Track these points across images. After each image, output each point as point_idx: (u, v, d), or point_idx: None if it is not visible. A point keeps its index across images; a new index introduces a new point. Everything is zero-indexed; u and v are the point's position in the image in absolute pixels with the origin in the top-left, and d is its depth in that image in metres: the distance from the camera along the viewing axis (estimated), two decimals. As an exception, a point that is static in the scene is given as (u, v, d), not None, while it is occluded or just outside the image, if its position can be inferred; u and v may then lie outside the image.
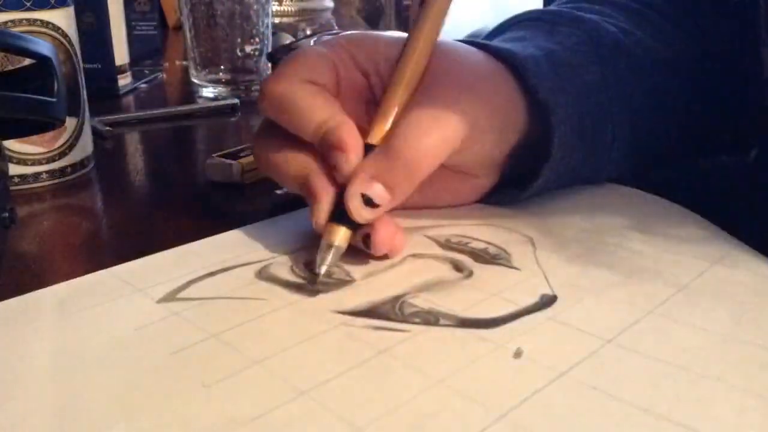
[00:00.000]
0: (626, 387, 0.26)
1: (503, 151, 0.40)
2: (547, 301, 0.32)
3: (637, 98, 0.44)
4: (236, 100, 0.72)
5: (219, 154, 0.50)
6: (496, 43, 0.42)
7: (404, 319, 0.31)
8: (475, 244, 0.38)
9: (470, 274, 0.35)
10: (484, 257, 0.37)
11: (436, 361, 0.28)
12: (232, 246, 0.38)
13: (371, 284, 0.34)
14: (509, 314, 0.31)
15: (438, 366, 0.27)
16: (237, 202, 0.47)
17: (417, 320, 0.31)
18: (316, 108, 0.35)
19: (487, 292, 0.33)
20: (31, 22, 0.46)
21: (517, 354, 0.28)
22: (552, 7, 0.50)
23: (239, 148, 0.51)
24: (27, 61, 0.38)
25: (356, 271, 0.35)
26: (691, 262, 0.36)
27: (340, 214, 0.35)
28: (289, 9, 1.01)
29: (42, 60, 0.36)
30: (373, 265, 0.36)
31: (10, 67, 0.44)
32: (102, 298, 0.33)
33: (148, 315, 0.31)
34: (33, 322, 0.31)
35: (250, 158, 0.48)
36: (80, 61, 0.50)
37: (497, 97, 0.39)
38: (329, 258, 0.34)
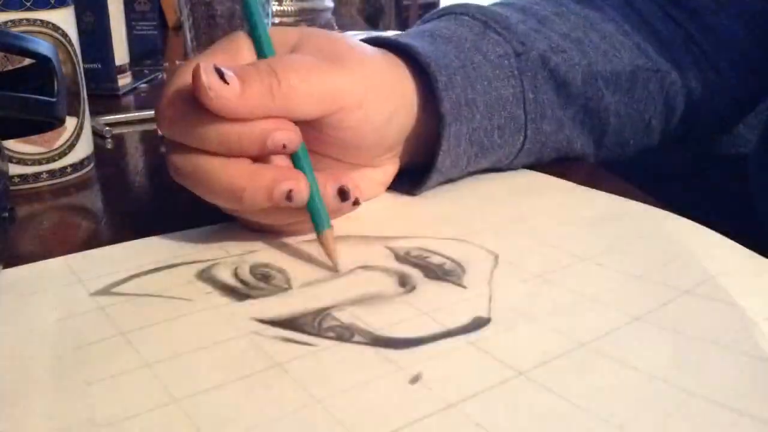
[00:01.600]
0: (512, 428, 0.24)
1: (397, 139, 0.42)
2: (477, 325, 0.30)
3: (556, 111, 0.48)
4: None
5: None
6: (411, 42, 0.43)
7: (318, 333, 0.30)
8: (433, 259, 0.36)
9: (412, 289, 0.33)
10: (435, 273, 0.35)
11: (325, 380, 0.26)
12: (191, 243, 0.38)
13: (305, 294, 0.33)
14: (429, 335, 0.29)
15: (325, 385, 0.26)
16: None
17: (331, 335, 0.30)
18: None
19: (420, 310, 0.31)
20: (31, 21, 0.46)
21: (414, 379, 0.27)
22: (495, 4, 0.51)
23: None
24: (27, 61, 0.38)
25: (298, 279, 0.34)
26: (657, 290, 0.32)
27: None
28: (290, 9, 1.00)
29: (42, 60, 0.36)
30: (317, 274, 0.35)
31: (10, 67, 0.44)
32: (43, 286, 0.34)
33: (76, 307, 0.32)
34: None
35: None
36: (80, 61, 0.49)
37: (389, 76, 0.41)
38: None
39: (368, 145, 0.40)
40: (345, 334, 0.30)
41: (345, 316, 0.31)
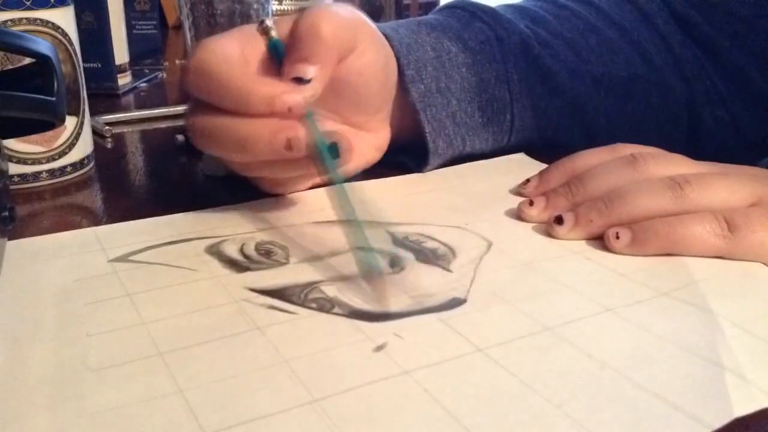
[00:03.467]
0: (457, 400, 0.26)
1: (389, 94, 0.46)
2: (451, 305, 0.32)
3: (543, 97, 0.51)
4: None
5: None
6: (390, 32, 0.47)
7: (302, 303, 0.32)
8: (429, 244, 0.38)
9: (401, 270, 0.35)
10: (427, 256, 0.37)
11: (296, 344, 0.29)
12: (208, 220, 0.41)
13: (299, 268, 0.35)
14: (403, 311, 0.31)
15: (295, 348, 0.28)
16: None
17: (313, 305, 0.32)
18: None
19: (402, 289, 0.33)
20: (31, 21, 0.45)
21: (379, 348, 0.29)
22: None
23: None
24: (27, 60, 0.38)
25: (298, 255, 0.37)
26: (637, 289, 0.33)
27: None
28: (290, 8, 1.01)
29: (42, 59, 0.36)
30: (316, 252, 0.37)
31: (10, 67, 0.44)
32: (70, 252, 0.37)
33: (94, 270, 0.35)
34: (13, 263, 0.36)
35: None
36: (80, 61, 0.49)
37: (386, 43, 0.45)
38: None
39: (365, 92, 0.44)
40: (326, 305, 0.32)
41: (331, 290, 0.33)
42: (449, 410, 0.25)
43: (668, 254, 0.36)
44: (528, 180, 0.44)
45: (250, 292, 0.33)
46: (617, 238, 0.36)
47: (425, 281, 0.34)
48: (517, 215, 0.41)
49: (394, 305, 0.32)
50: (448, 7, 0.53)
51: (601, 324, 0.30)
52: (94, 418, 0.24)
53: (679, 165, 0.40)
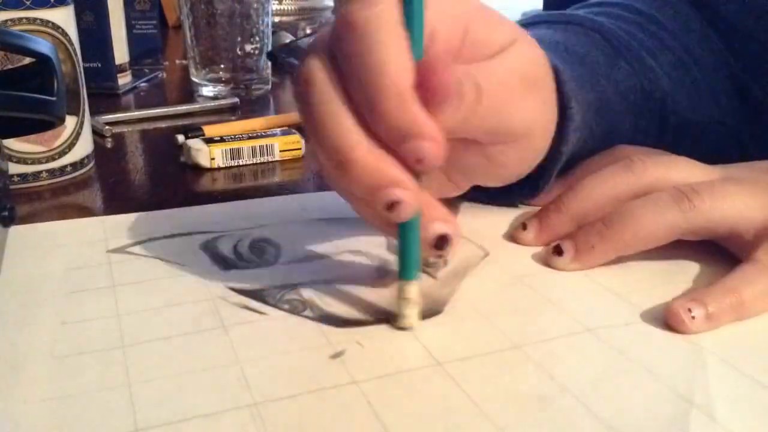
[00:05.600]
0: (398, 415, 0.25)
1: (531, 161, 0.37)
2: (425, 315, 0.31)
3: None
4: (236, 99, 0.72)
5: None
6: (558, 63, 0.38)
7: (275, 305, 0.32)
8: (423, 251, 0.37)
9: (385, 275, 0.35)
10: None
11: (255, 345, 0.29)
12: (210, 215, 0.42)
13: (284, 269, 0.35)
14: (374, 318, 0.31)
15: (252, 348, 0.28)
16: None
17: (286, 307, 0.32)
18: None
19: (381, 295, 0.33)
20: (31, 20, 0.45)
21: (336, 355, 0.28)
22: (607, 22, 0.47)
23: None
24: (27, 60, 0.38)
25: (287, 255, 0.37)
26: (627, 310, 0.32)
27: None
28: (289, 8, 0.98)
29: (42, 59, 0.36)
30: (307, 252, 0.37)
31: (11, 66, 0.44)
32: (73, 239, 0.39)
33: (90, 259, 0.36)
34: (13, 249, 0.37)
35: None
36: (80, 60, 0.49)
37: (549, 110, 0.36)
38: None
39: (509, 169, 0.36)
40: (299, 307, 0.32)
41: (308, 292, 0.33)
42: (385, 425, 0.24)
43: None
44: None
45: (229, 291, 0.33)
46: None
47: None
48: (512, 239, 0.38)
49: (359, 311, 0.31)
50: (575, 23, 0.46)
51: (575, 345, 0.29)
52: (39, 405, 0.25)
53: (682, 168, 0.36)
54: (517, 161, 0.36)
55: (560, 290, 0.33)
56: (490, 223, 0.41)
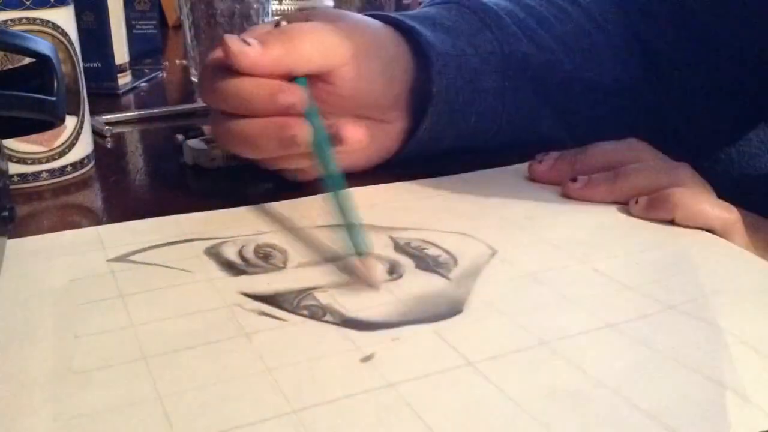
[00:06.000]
0: (439, 415, 0.25)
1: (395, 95, 0.47)
2: (446, 315, 0.31)
3: (534, 108, 0.53)
4: None
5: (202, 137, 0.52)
6: (416, 25, 0.48)
7: (293, 310, 0.31)
8: (431, 250, 0.37)
9: (399, 277, 0.35)
10: (427, 263, 0.36)
11: (282, 352, 0.28)
12: (210, 221, 0.41)
13: (295, 273, 0.35)
14: (396, 321, 0.31)
15: (280, 355, 0.28)
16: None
17: (305, 313, 0.31)
18: None
19: (398, 297, 0.33)
20: (31, 20, 0.45)
21: (366, 359, 0.28)
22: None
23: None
24: (27, 60, 0.38)
25: (296, 260, 0.36)
26: (643, 302, 0.32)
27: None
28: (289, 8, 0.99)
29: (42, 59, 0.36)
30: (315, 256, 0.37)
31: (11, 66, 0.44)
32: (70, 251, 0.37)
33: (91, 270, 0.35)
34: (9, 265, 0.36)
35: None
36: (80, 60, 0.49)
37: (381, 38, 0.46)
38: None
39: (366, 98, 0.45)
40: (318, 312, 0.31)
41: (325, 297, 0.33)
42: (429, 426, 0.24)
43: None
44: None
45: (243, 297, 0.33)
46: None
47: (423, 290, 0.33)
48: (526, 176, 0.47)
49: (386, 314, 0.31)
50: (453, 2, 0.53)
51: (600, 340, 0.29)
52: (69, 422, 0.24)
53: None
54: (354, 80, 0.44)
55: (573, 286, 0.34)
56: (493, 221, 0.41)
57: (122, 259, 0.36)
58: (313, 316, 0.31)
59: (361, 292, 0.33)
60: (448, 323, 0.30)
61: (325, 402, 0.25)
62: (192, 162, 0.51)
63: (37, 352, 0.28)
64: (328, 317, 0.31)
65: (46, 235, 0.39)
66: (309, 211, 0.42)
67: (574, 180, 0.44)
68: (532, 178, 0.47)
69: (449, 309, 0.32)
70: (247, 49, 0.40)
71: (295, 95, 0.39)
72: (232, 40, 0.40)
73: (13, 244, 0.37)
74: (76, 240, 0.38)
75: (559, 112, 0.55)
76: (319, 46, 0.42)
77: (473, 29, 0.51)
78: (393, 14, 0.49)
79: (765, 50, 0.51)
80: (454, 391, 0.26)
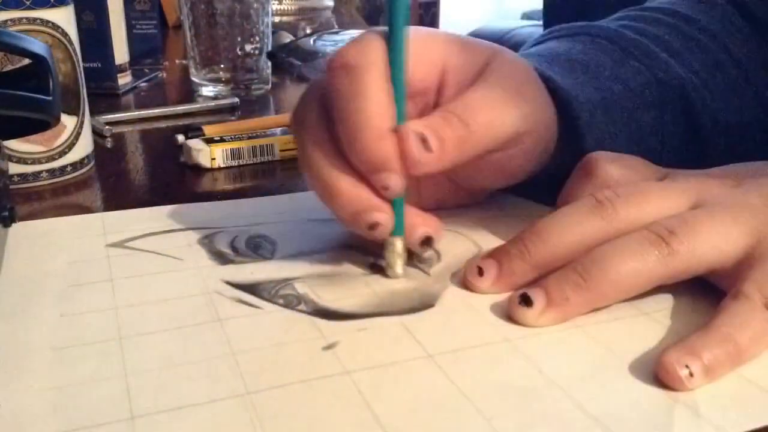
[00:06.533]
0: (388, 404, 0.25)
1: (534, 163, 0.40)
2: (417, 309, 0.32)
3: (690, 148, 0.45)
4: (236, 99, 0.71)
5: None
6: (551, 73, 0.41)
7: (270, 299, 0.33)
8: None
9: (379, 270, 0.35)
10: (411, 260, 0.36)
11: (249, 338, 0.29)
12: (209, 212, 0.42)
13: (280, 264, 0.36)
14: (367, 312, 0.31)
15: (247, 340, 0.29)
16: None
17: (280, 302, 0.32)
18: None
19: (374, 290, 0.33)
20: (31, 20, 0.45)
21: (329, 347, 0.29)
22: (620, 27, 0.47)
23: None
24: (27, 61, 0.38)
25: (283, 251, 0.37)
26: (617, 307, 0.32)
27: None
28: (289, 8, 0.98)
29: (37, 59, 0.36)
30: (302, 248, 0.38)
31: (10, 67, 0.44)
32: (71, 236, 0.39)
33: (89, 254, 0.37)
34: (14, 246, 0.38)
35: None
36: (80, 60, 0.49)
37: (542, 113, 0.39)
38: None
39: (512, 171, 0.40)
40: (293, 302, 0.32)
41: (303, 287, 0.34)
42: (377, 414, 0.25)
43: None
44: None
45: (225, 285, 0.34)
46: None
47: (401, 284, 0.34)
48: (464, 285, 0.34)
49: (358, 306, 0.32)
50: (583, 33, 0.46)
51: (564, 340, 0.29)
52: (39, 394, 0.26)
53: (654, 203, 0.33)
54: (518, 164, 0.39)
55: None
56: (481, 220, 0.41)
57: (119, 244, 0.38)
58: (287, 305, 0.32)
59: (339, 284, 0.34)
60: (417, 316, 0.31)
61: (279, 386, 0.26)
62: (192, 162, 0.52)
63: (27, 330, 0.30)
64: (301, 306, 0.32)
65: (50, 219, 0.41)
66: (305, 204, 0.43)
67: (526, 300, 0.30)
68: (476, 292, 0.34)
69: (421, 303, 0.32)
70: (427, 157, 0.33)
71: (383, 216, 0.33)
72: (412, 138, 0.32)
73: (20, 226, 0.39)
74: (80, 224, 0.41)
75: (705, 155, 0.45)
76: (506, 129, 0.35)
77: (615, 61, 0.44)
78: (552, 75, 0.41)
79: None
80: (407, 382, 0.27)
